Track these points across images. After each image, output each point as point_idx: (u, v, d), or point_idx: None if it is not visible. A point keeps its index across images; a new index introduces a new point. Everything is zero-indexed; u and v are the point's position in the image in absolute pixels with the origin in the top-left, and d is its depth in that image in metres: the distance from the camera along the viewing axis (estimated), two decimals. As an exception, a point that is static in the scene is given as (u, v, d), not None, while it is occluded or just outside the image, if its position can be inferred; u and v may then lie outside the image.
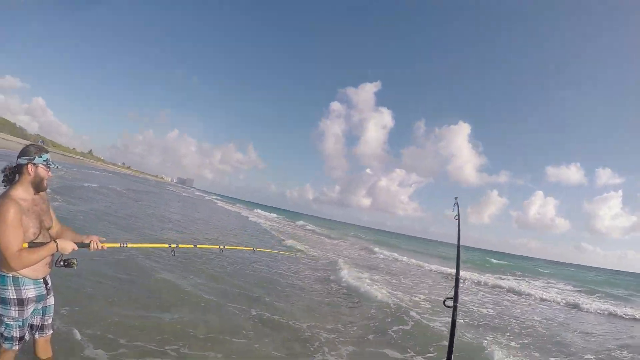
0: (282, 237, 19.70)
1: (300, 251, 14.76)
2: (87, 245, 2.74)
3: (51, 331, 2.87)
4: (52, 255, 2.57)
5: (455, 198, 3.33)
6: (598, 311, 12.74)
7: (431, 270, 18.62)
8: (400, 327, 6.36)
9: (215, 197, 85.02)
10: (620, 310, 12.99)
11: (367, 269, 13.54)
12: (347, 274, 10.03)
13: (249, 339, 4.61)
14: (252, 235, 18.71)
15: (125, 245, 3.31)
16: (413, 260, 21.15)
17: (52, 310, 2.82)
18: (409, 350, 5.42)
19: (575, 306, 13.14)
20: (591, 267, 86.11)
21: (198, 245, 5.23)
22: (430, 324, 6.91)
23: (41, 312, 2.71)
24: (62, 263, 2.62)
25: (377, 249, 24.42)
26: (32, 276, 2.49)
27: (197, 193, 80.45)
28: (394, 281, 12.08)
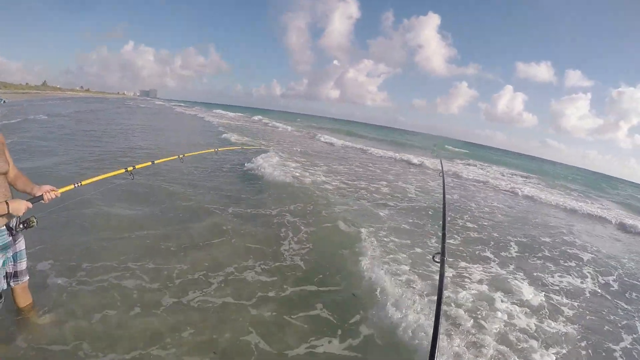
0: (226, 132, 20.30)
1: (239, 145, 14.80)
2: (41, 198, 2.53)
3: (27, 277, 2.73)
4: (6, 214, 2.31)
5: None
6: (556, 203, 13.52)
7: (371, 153, 19.78)
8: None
9: (176, 104, 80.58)
10: (576, 204, 13.75)
11: (302, 156, 14.14)
12: (271, 165, 10.11)
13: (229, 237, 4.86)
14: (201, 135, 19.03)
15: (79, 184, 3.12)
16: (354, 145, 22.94)
17: (24, 255, 2.64)
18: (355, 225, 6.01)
19: (534, 198, 13.94)
20: (554, 162, 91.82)
21: (156, 161, 5.03)
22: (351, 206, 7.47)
23: (12, 259, 2.55)
24: (21, 226, 2.43)
25: (320, 135, 26.43)
26: None
27: (158, 103, 75.06)
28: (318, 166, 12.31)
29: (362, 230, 5.80)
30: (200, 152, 8.57)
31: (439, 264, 2.06)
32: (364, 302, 3.82)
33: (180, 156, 5.61)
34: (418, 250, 5.48)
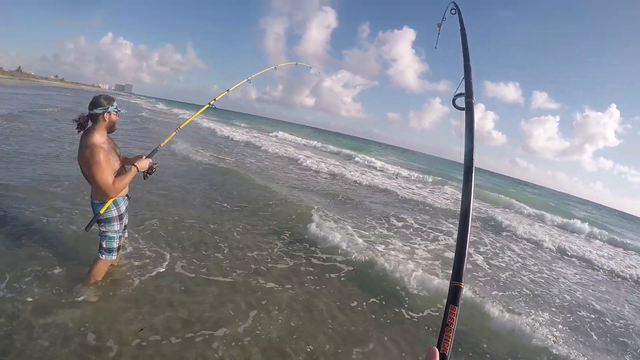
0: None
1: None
2: (156, 150, 3.50)
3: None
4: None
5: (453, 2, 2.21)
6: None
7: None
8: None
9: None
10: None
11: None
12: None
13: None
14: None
15: (178, 129, 3.95)
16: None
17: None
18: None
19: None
20: (525, 181, 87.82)
21: (230, 89, 5.25)
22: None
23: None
24: (147, 175, 3.25)
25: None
26: (122, 195, 3.14)
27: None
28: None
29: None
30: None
31: (462, 110, 1.33)
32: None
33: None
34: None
